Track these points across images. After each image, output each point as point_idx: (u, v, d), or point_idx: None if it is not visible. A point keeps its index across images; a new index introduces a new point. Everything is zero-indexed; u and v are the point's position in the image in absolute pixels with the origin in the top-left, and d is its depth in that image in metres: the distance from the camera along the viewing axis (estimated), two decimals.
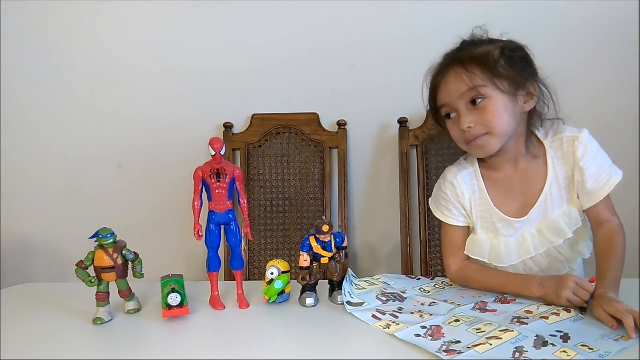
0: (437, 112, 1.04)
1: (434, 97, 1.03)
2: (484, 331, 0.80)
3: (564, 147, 0.99)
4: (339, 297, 0.95)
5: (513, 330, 0.79)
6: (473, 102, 0.95)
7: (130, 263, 0.93)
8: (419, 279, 1.09)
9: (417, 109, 1.50)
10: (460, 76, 0.95)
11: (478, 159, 1.05)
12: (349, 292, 0.96)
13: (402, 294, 1.00)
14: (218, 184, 0.92)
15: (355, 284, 1.01)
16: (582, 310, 0.87)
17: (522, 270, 1.03)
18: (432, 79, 1.02)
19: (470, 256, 1.04)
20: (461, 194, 1.04)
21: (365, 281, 1.05)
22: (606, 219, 0.99)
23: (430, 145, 1.49)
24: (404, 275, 1.12)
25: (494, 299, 0.94)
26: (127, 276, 0.93)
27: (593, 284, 0.89)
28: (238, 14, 1.48)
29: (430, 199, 1.14)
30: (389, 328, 0.84)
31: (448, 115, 1.01)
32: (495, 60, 0.94)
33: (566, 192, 1.01)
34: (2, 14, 1.50)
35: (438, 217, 1.09)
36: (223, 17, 1.49)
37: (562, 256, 1.02)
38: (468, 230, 1.07)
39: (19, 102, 1.57)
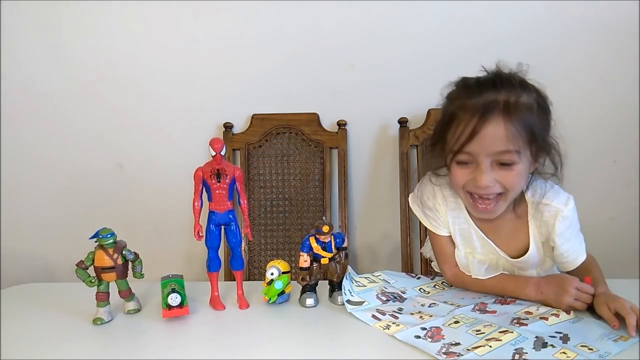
0: (442, 143, 0.93)
1: (446, 128, 0.91)
2: (484, 332, 0.80)
3: (545, 216, 0.95)
4: (338, 297, 0.95)
5: (512, 332, 0.79)
6: (501, 163, 0.88)
7: (130, 263, 0.93)
8: (418, 278, 1.09)
9: (417, 109, 1.50)
10: (500, 132, 0.84)
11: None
12: (349, 290, 0.96)
13: (401, 294, 1.00)
14: (218, 184, 0.91)
15: (355, 281, 1.01)
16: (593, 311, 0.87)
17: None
18: (457, 110, 0.88)
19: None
20: (441, 209, 1.03)
21: (365, 277, 1.05)
22: None
23: None
24: (404, 273, 1.12)
25: (494, 299, 0.94)
26: (127, 276, 0.93)
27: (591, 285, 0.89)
28: (238, 14, 1.48)
29: (410, 197, 1.10)
30: (388, 329, 0.84)
31: (461, 162, 0.91)
32: (540, 127, 0.87)
33: (542, 252, 0.99)
34: (2, 14, 1.50)
35: (426, 225, 1.06)
36: (223, 17, 1.49)
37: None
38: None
39: (19, 102, 1.57)
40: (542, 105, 0.89)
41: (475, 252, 1.02)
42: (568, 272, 0.98)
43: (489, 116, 0.85)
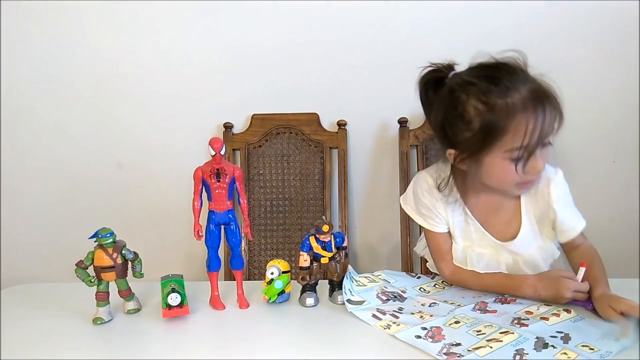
0: (486, 150, 0.89)
1: (497, 136, 0.87)
2: (484, 333, 0.80)
3: (539, 187, 0.98)
4: (339, 297, 0.95)
5: (513, 333, 0.79)
6: (543, 144, 0.90)
7: (129, 263, 0.93)
8: (419, 277, 1.09)
9: (417, 109, 1.49)
10: (551, 116, 0.87)
11: (454, 177, 1.01)
12: (349, 290, 0.96)
13: (402, 294, 0.99)
14: (218, 183, 0.91)
15: (356, 280, 1.01)
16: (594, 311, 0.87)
17: None
18: (510, 115, 0.85)
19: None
20: (440, 205, 1.02)
21: (365, 277, 1.05)
22: (580, 242, 1.00)
23: (430, 145, 1.49)
24: (404, 273, 1.12)
25: (494, 299, 0.94)
26: (126, 276, 0.93)
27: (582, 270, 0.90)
28: (238, 14, 1.48)
29: (402, 199, 1.11)
30: (389, 328, 0.84)
31: (516, 158, 0.88)
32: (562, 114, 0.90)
33: (539, 226, 1.00)
34: (2, 14, 1.50)
35: (421, 224, 1.06)
36: (223, 17, 1.49)
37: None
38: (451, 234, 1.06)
39: (19, 102, 1.57)
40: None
41: (473, 245, 1.02)
42: (569, 242, 0.99)
43: (540, 106, 0.86)
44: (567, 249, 1.02)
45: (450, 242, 1.05)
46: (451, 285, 1.05)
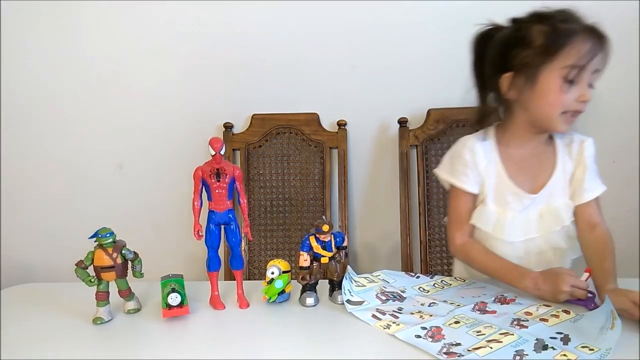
0: (548, 58, 0.95)
1: (560, 46, 0.93)
2: (484, 334, 0.80)
3: (574, 145, 1.05)
4: (339, 296, 0.95)
5: (513, 334, 0.79)
6: (589, 84, 0.96)
7: (129, 262, 0.93)
8: (418, 277, 1.09)
9: (417, 109, 1.51)
10: (604, 51, 0.95)
11: (496, 134, 1.07)
12: (348, 290, 0.96)
13: (401, 294, 0.99)
14: (218, 183, 0.91)
15: (355, 281, 1.01)
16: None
17: (521, 250, 1.04)
18: (573, 30, 0.94)
19: (476, 225, 1.05)
20: (480, 160, 1.04)
21: (364, 277, 1.05)
22: (598, 221, 1.03)
23: (430, 145, 1.49)
24: (404, 272, 1.12)
25: (493, 299, 0.94)
26: (126, 276, 0.93)
27: (585, 275, 0.92)
28: (238, 13, 1.49)
29: (436, 169, 1.12)
30: (389, 328, 0.84)
31: (569, 80, 0.94)
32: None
33: (568, 185, 1.04)
34: (2, 14, 1.51)
35: (452, 182, 1.07)
36: (223, 16, 1.49)
37: (558, 245, 1.04)
38: (475, 202, 1.07)
39: (19, 102, 1.57)
40: None
41: (507, 209, 1.03)
42: (588, 212, 1.02)
43: (596, 37, 0.94)
44: (584, 225, 1.03)
45: (471, 209, 1.05)
46: (450, 284, 1.05)
